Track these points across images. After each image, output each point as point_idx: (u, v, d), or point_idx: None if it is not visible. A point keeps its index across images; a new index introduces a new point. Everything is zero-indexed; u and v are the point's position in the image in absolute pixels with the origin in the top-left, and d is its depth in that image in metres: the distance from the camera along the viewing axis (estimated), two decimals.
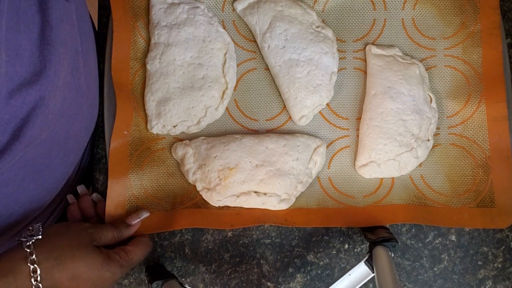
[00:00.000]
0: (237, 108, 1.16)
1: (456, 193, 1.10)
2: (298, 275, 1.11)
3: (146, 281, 1.07)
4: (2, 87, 0.73)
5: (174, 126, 1.13)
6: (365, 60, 1.17)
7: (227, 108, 1.16)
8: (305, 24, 1.15)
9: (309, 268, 1.11)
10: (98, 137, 1.17)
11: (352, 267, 1.00)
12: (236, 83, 1.17)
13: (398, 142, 1.08)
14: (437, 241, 1.10)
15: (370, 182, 1.11)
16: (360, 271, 0.99)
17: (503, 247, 1.10)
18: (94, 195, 1.13)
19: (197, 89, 1.13)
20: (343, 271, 1.06)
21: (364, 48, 1.17)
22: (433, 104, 1.11)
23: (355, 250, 1.11)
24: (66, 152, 1.01)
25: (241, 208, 1.09)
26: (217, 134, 1.15)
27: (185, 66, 1.14)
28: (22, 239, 0.87)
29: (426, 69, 1.14)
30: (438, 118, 1.12)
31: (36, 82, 0.78)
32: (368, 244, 1.07)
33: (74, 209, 1.10)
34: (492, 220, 1.07)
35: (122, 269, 0.96)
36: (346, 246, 1.11)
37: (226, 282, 1.11)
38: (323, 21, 1.17)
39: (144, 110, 1.15)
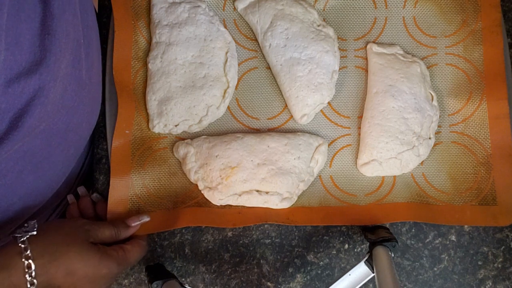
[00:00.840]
0: (239, 107, 1.16)
1: (457, 191, 1.10)
2: (298, 275, 1.11)
3: (146, 281, 1.07)
4: (1, 75, 0.72)
5: (176, 125, 1.13)
6: (366, 59, 1.17)
7: (228, 107, 1.16)
8: (306, 22, 1.15)
9: (309, 268, 1.11)
10: (98, 137, 1.17)
11: (352, 267, 1.00)
12: (238, 82, 1.17)
13: (400, 140, 1.08)
14: (437, 241, 1.10)
15: (371, 180, 1.11)
16: (360, 271, 0.99)
17: (503, 247, 1.10)
18: (94, 195, 1.13)
19: (198, 88, 1.13)
20: (343, 271, 1.06)
21: (365, 46, 1.17)
22: (435, 102, 1.11)
23: (355, 250, 1.11)
24: (66, 144, 1.00)
25: (243, 207, 1.09)
26: (218, 133, 1.15)
27: (186, 65, 1.14)
28: (17, 235, 0.86)
29: (428, 67, 1.14)
30: (440, 116, 1.12)
31: (36, 72, 0.78)
32: (368, 244, 1.07)
33: (74, 209, 1.10)
34: (494, 218, 1.07)
35: (119, 266, 0.95)
36: (346, 246, 1.11)
37: (226, 282, 1.11)
38: (324, 19, 1.17)
39: (146, 109, 1.15)
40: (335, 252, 1.11)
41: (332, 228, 1.12)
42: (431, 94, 1.12)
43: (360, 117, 1.14)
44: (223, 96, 1.14)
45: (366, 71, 1.16)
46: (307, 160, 1.09)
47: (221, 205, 1.09)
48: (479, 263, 1.10)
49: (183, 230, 1.12)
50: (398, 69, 1.12)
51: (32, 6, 0.77)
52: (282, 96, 1.15)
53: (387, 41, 1.17)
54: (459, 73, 1.15)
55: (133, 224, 1.04)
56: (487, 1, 1.16)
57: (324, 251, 1.11)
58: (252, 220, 1.08)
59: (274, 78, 1.16)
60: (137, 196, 1.11)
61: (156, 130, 1.13)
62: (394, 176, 1.11)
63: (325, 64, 1.12)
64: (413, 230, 1.11)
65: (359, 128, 1.13)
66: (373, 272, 0.97)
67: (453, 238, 1.10)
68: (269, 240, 1.12)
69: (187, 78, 1.14)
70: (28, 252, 0.84)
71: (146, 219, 1.06)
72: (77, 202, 1.11)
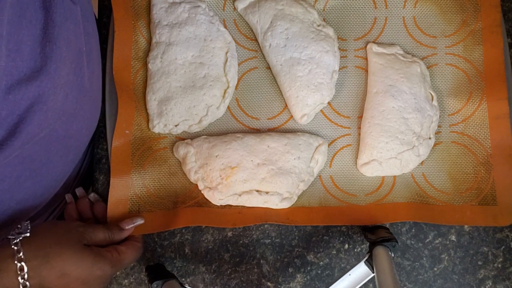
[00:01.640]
0: (239, 107, 1.16)
1: (458, 191, 1.10)
2: (298, 275, 1.11)
3: (146, 281, 1.07)
4: (1, 82, 0.72)
5: (176, 125, 1.13)
6: (366, 59, 1.17)
7: (228, 107, 1.16)
8: (306, 22, 1.15)
9: (309, 268, 1.11)
10: (98, 137, 1.17)
11: (352, 267, 1.00)
12: (238, 82, 1.17)
13: (400, 140, 1.08)
14: (437, 241, 1.10)
15: (371, 180, 1.11)
16: (360, 271, 0.99)
17: (503, 247, 1.10)
18: (92, 194, 1.13)
19: (198, 88, 1.13)
20: (343, 271, 1.06)
21: (365, 46, 1.17)
22: (435, 102, 1.11)
23: (355, 250, 1.11)
24: (66, 150, 1.00)
25: (243, 207, 1.09)
26: (218, 133, 1.15)
27: (186, 65, 1.14)
28: (9, 237, 0.86)
29: (427, 67, 1.15)
30: (440, 116, 1.12)
31: (36, 79, 0.78)
32: (368, 244, 1.07)
33: (72, 208, 1.09)
34: (494, 218, 1.07)
35: (113, 268, 0.94)
36: (346, 246, 1.11)
37: (226, 282, 1.11)
38: (324, 19, 1.18)
39: (146, 109, 1.15)
40: (335, 252, 1.11)
41: (332, 228, 1.12)
42: (431, 94, 1.12)
43: (360, 117, 1.14)
44: (223, 96, 1.14)
45: (366, 71, 1.16)
46: (307, 160, 1.09)
47: (221, 205, 1.09)
48: (479, 263, 1.10)
49: (183, 230, 1.12)
50: (398, 69, 1.12)
51: (33, 12, 0.77)
52: (282, 96, 1.15)
53: (387, 41, 1.17)
54: (459, 73, 1.15)
55: (127, 227, 1.03)
56: (487, 1, 1.16)
57: (324, 251, 1.11)
58: (252, 220, 1.08)
59: (274, 78, 1.16)
60: (137, 196, 1.11)
61: (156, 130, 1.13)
62: (394, 176, 1.11)
63: (325, 64, 1.12)
64: (413, 230, 1.11)
65: (359, 128, 1.13)
66: (373, 272, 0.97)
67: (453, 238, 1.10)
68: (269, 240, 1.12)
69: (187, 78, 1.14)
70: (21, 254, 0.84)
71: (140, 221, 1.05)
72: (75, 203, 1.11)
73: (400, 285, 0.88)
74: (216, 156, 1.08)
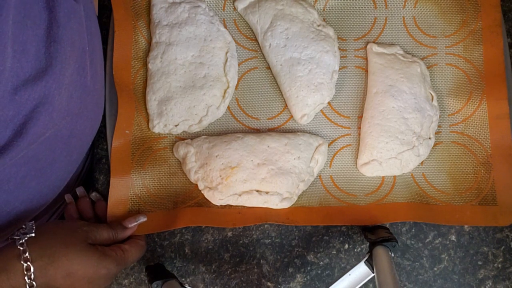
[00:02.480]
0: (239, 107, 1.16)
1: (458, 191, 1.10)
2: (298, 275, 1.11)
3: (146, 281, 1.07)
4: (8, 82, 0.73)
5: (176, 125, 1.13)
6: (366, 59, 1.17)
7: (228, 107, 1.16)
8: (306, 22, 1.15)
9: (309, 268, 1.11)
10: (98, 137, 1.17)
11: (352, 267, 1.00)
12: (238, 82, 1.17)
13: (400, 140, 1.08)
14: (437, 241, 1.10)
15: (371, 180, 1.11)
16: (360, 271, 0.99)
17: (503, 247, 1.10)
18: (94, 194, 1.13)
19: (198, 88, 1.13)
20: (343, 271, 1.06)
21: (365, 46, 1.17)
22: (435, 102, 1.11)
23: (355, 250, 1.11)
24: (70, 150, 1.00)
25: (243, 207, 1.09)
26: (218, 133, 1.15)
27: (186, 65, 1.14)
28: (15, 237, 0.86)
29: (427, 67, 1.15)
30: (440, 116, 1.12)
31: (41, 79, 0.78)
32: (368, 244, 1.07)
33: (72, 208, 1.09)
34: (494, 218, 1.07)
35: (118, 266, 0.95)
36: (346, 246, 1.11)
37: (226, 282, 1.11)
38: (324, 19, 1.18)
39: (146, 109, 1.15)
40: (335, 252, 1.11)
41: (332, 228, 1.12)
42: (431, 94, 1.12)
43: (360, 117, 1.14)
44: (223, 96, 1.14)
45: (366, 71, 1.16)
46: (307, 160, 1.09)
47: (221, 205, 1.09)
48: (479, 263, 1.10)
49: (183, 230, 1.12)
50: (398, 69, 1.12)
51: (37, 12, 0.77)
52: (282, 96, 1.15)
53: (387, 41, 1.17)
54: (459, 73, 1.15)
55: (130, 225, 1.04)
56: (487, 1, 1.16)
57: (324, 251, 1.11)
58: (252, 220, 1.08)
59: (274, 78, 1.16)
60: (137, 196, 1.11)
61: (156, 130, 1.13)
62: (394, 176, 1.11)
63: (325, 64, 1.12)
64: (413, 230, 1.11)
65: (359, 128, 1.13)
66: (373, 272, 0.97)
67: (453, 238, 1.10)
68: (269, 240, 1.12)
69: (187, 78, 1.14)
70: (27, 254, 0.84)
71: (143, 219, 1.06)
72: (76, 202, 1.11)
73: (400, 285, 0.88)
74: (216, 156, 1.08)
